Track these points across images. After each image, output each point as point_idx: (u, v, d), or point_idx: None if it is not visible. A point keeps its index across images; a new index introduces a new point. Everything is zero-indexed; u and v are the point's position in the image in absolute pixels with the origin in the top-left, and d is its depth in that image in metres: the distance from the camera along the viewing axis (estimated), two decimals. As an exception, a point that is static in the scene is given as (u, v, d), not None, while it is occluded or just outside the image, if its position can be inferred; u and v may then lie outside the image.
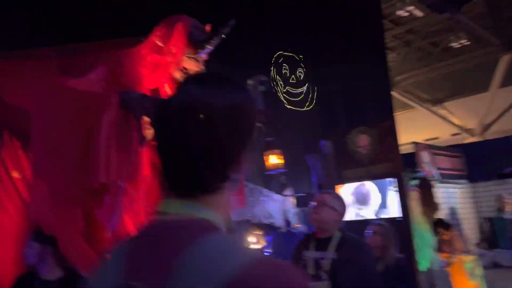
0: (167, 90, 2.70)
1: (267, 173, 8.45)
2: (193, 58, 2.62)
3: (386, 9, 14.78)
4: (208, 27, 2.62)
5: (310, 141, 8.36)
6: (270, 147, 7.69)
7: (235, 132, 0.87)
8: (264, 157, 8.05)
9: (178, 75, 2.61)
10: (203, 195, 0.87)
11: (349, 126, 7.18)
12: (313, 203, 2.77)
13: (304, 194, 9.12)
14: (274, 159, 8.15)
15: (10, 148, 2.87)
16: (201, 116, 0.83)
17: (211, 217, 0.86)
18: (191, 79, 0.97)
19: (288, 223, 10.07)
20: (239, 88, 0.93)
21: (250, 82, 3.87)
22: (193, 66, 2.66)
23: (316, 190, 7.61)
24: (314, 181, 7.74)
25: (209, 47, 2.60)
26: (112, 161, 2.03)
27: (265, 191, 10.41)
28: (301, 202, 9.53)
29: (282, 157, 8.17)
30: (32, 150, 2.33)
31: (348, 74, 10.30)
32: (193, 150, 0.84)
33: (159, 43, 2.51)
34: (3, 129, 2.91)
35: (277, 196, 10.80)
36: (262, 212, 10.20)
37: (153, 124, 1.13)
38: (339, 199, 2.90)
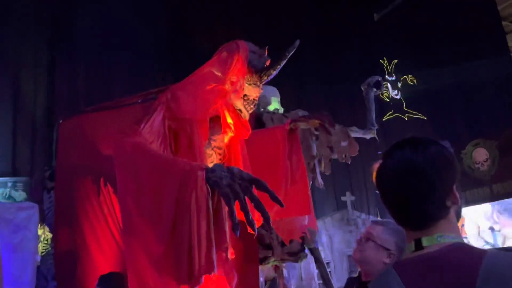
0: (228, 119, 2.63)
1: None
2: (253, 84, 2.57)
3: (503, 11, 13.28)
4: (266, 51, 2.57)
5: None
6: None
7: (445, 175, 1.12)
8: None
9: (238, 103, 2.61)
10: (438, 224, 1.10)
11: (464, 140, 6.37)
12: (360, 237, 2.12)
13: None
14: None
15: (105, 193, 3.05)
16: (419, 170, 1.10)
17: (460, 239, 1.10)
18: (403, 144, 1.20)
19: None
20: (438, 144, 1.17)
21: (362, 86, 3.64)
22: (253, 92, 2.59)
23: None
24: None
25: (275, 72, 2.53)
26: (202, 255, 1.78)
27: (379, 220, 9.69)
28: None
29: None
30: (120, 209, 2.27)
31: (465, 78, 9.38)
32: (419, 195, 1.10)
33: (217, 72, 2.52)
34: (100, 176, 3.09)
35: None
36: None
37: (379, 182, 1.17)
38: (394, 234, 2.03)
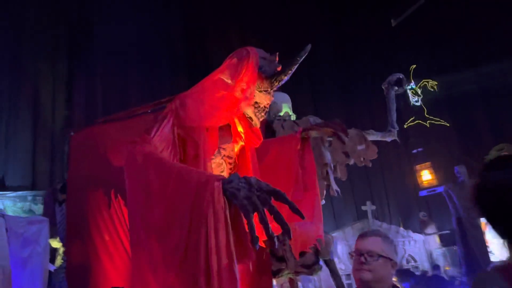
0: (239, 127, 2.56)
1: (423, 193, 7.23)
2: (264, 91, 2.50)
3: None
4: (277, 57, 2.50)
5: (443, 166, 7.40)
6: (420, 160, 6.65)
7: None
8: (416, 174, 6.95)
9: (249, 111, 2.53)
10: None
11: (488, 145, 6.12)
12: (358, 256, 1.88)
13: (449, 231, 8.00)
14: (426, 175, 7.00)
15: (116, 206, 3.02)
16: None
17: None
18: (500, 162, 1.32)
19: (435, 266, 8.88)
20: None
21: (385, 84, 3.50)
22: (264, 99, 2.47)
23: (455, 226, 6.52)
24: (453, 216, 6.67)
25: (286, 78, 2.45)
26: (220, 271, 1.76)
27: (402, 230, 9.48)
28: (446, 241, 8.38)
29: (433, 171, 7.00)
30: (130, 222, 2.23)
31: (487, 83, 9.12)
32: None
33: (227, 80, 2.50)
34: (111, 188, 3.07)
35: (417, 236, 9.75)
36: (401, 255, 9.23)
37: (482, 199, 1.30)
38: (390, 242, 1.92)
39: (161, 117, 2.41)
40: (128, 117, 3.01)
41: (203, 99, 2.43)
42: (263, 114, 2.52)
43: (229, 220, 1.73)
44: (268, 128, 3.47)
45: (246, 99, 2.43)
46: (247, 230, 1.66)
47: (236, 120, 2.53)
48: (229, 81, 2.41)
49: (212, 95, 2.41)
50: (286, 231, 1.67)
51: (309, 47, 2.44)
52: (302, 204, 2.79)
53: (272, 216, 1.69)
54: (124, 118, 2.84)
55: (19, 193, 6.81)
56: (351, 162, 3.54)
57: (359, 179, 8.28)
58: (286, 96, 3.98)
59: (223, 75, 2.43)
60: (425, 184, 6.98)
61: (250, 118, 2.51)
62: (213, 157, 2.54)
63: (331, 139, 3.43)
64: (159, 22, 8.37)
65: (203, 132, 2.41)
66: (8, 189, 6.89)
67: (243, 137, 2.59)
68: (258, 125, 2.54)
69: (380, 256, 1.84)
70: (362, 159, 3.50)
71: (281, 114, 3.76)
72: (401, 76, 3.45)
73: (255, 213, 1.68)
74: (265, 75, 2.47)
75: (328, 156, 3.42)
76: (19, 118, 7.18)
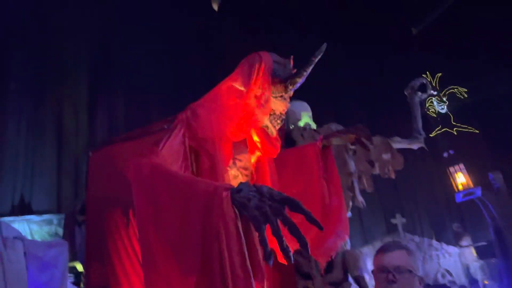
0: (254, 137, 2.41)
1: (459, 199, 6.75)
2: (279, 97, 2.43)
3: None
4: (291, 60, 2.38)
5: (476, 170, 7.03)
6: (452, 162, 6.26)
7: None
8: (450, 177, 6.52)
9: (265, 119, 2.33)
10: None
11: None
12: (383, 273, 1.65)
13: (485, 243, 7.59)
14: (461, 178, 6.55)
15: (134, 225, 2.94)
16: None
17: None
18: None
19: (473, 280, 8.42)
20: None
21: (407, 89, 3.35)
22: (279, 106, 2.33)
23: (493, 236, 6.13)
24: (490, 225, 6.30)
25: (301, 80, 2.33)
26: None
27: (435, 243, 9.06)
28: (483, 253, 7.95)
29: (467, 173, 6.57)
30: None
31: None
32: None
33: (239, 87, 2.29)
34: (129, 207, 3.00)
35: (451, 249, 9.28)
36: (436, 270, 8.80)
37: None
38: (415, 255, 1.71)
39: (171, 129, 2.32)
40: (146, 134, 2.93)
41: (215, 109, 2.33)
42: (279, 121, 2.39)
43: (242, 234, 1.58)
44: (287, 138, 3.34)
45: (261, 106, 2.31)
46: (260, 245, 1.52)
47: (253, 131, 2.41)
48: (242, 88, 2.30)
49: (225, 104, 2.31)
50: (303, 245, 1.53)
51: (324, 46, 2.30)
52: (327, 218, 2.63)
53: (286, 227, 1.55)
54: (142, 135, 2.77)
55: (45, 216, 6.87)
56: (377, 171, 3.37)
57: (387, 190, 8.00)
58: (305, 105, 3.82)
59: (235, 83, 2.33)
60: (460, 187, 6.57)
61: (266, 126, 2.39)
62: (228, 168, 2.43)
63: (354, 147, 3.28)
64: (179, 42, 8.44)
65: (217, 142, 2.30)
66: (34, 213, 6.96)
67: (260, 147, 2.47)
68: (274, 134, 2.42)
69: (410, 271, 1.64)
70: (386, 169, 3.33)
71: (301, 124, 3.62)
72: (425, 81, 3.32)
73: (267, 225, 1.54)
74: (279, 79, 2.35)
75: (352, 165, 3.26)
76: (43, 142, 7.30)
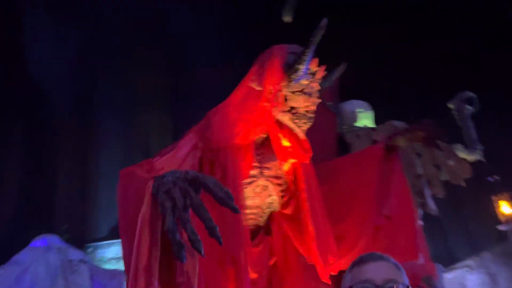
0: (284, 142, 2.12)
1: (499, 227, 5.90)
2: (298, 92, 2.04)
3: None
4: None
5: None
6: (498, 190, 5.55)
7: None
8: (494, 205, 5.75)
9: (285, 118, 2.07)
10: None
11: None
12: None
13: None
14: (506, 207, 5.73)
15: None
16: None
17: None
18: None
19: None
20: None
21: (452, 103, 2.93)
22: (301, 102, 2.04)
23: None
24: None
25: (303, 67, 1.96)
26: None
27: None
28: None
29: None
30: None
31: None
32: None
33: (256, 87, 2.08)
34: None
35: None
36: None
37: None
38: (400, 266, 1.17)
39: (181, 139, 2.19)
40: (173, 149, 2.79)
41: (231, 114, 2.12)
42: (305, 121, 2.08)
43: (155, 227, 1.41)
44: (341, 141, 2.98)
45: (274, 102, 2.04)
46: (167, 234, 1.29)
47: (280, 134, 2.14)
48: (259, 88, 2.07)
49: (243, 107, 2.09)
50: (211, 233, 1.32)
51: (324, 21, 1.94)
52: (397, 233, 2.21)
53: (194, 211, 1.34)
54: (170, 150, 2.67)
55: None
56: (445, 177, 2.86)
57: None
58: (363, 104, 3.37)
59: (251, 83, 2.10)
60: (503, 218, 5.72)
61: (289, 126, 2.10)
62: (252, 179, 2.19)
63: (419, 151, 2.80)
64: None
65: (234, 151, 2.08)
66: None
67: (291, 152, 2.17)
68: (302, 135, 2.12)
69: (402, 284, 1.21)
70: (455, 175, 2.83)
71: (359, 125, 3.21)
72: (473, 95, 2.89)
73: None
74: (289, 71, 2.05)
75: (420, 167, 2.79)
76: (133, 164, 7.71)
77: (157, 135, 8.23)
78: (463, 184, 2.87)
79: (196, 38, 8.37)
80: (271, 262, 2.30)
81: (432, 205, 2.67)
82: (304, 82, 2.06)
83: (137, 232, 1.48)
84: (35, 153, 7.64)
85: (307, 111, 2.09)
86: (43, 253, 3.22)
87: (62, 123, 7.89)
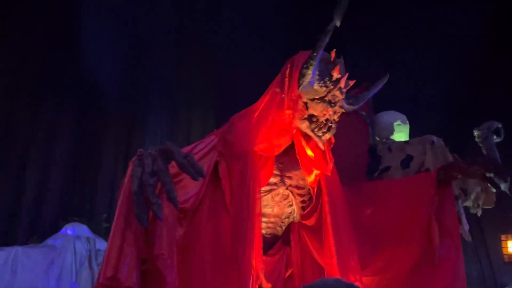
0: (308, 151, 2.05)
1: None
2: (317, 99, 1.95)
3: None
4: (333, 54, 1.96)
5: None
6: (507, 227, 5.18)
7: None
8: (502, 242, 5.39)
9: (304, 126, 1.99)
10: None
11: None
12: None
13: None
14: None
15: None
16: None
17: None
18: None
19: None
20: None
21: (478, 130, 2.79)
22: (320, 110, 1.96)
23: None
24: None
25: (310, 71, 1.88)
26: None
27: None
28: None
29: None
30: None
31: None
32: None
33: (279, 93, 2.03)
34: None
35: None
36: None
37: None
38: None
39: (203, 139, 2.18)
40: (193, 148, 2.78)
41: (253, 119, 2.06)
42: (324, 130, 2.00)
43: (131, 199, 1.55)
44: (372, 154, 2.83)
45: (296, 109, 1.98)
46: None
47: (304, 143, 2.05)
48: (281, 94, 2.01)
49: (265, 113, 2.03)
50: (168, 196, 1.47)
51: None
52: (436, 267, 2.05)
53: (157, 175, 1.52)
54: (190, 148, 2.65)
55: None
56: (469, 203, 2.66)
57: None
58: (401, 117, 3.19)
59: (276, 89, 2.04)
60: (507, 258, 5.32)
61: (307, 133, 2.01)
62: (272, 187, 2.13)
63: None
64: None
65: (254, 158, 2.02)
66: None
67: (314, 162, 2.08)
68: (322, 145, 2.04)
69: None
70: (477, 204, 2.64)
71: (395, 138, 3.04)
72: (500, 125, 2.73)
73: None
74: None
75: (456, 187, 2.60)
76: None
77: (199, 132, 8.33)
78: (479, 213, 2.65)
79: (241, 38, 8.40)
80: (287, 273, 2.23)
81: (467, 231, 2.48)
82: (322, 89, 1.97)
83: (119, 200, 1.65)
84: (81, 145, 7.94)
85: (327, 120, 2.01)
86: (72, 241, 3.32)
87: (109, 116, 8.15)
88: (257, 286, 1.91)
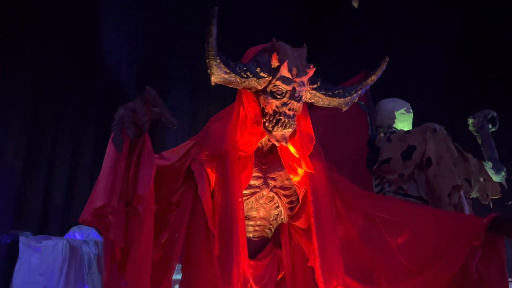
0: (291, 148, 1.96)
1: None
2: (260, 92, 1.91)
3: None
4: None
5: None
6: None
7: None
8: None
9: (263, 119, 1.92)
10: None
11: None
12: None
13: None
14: None
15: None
16: None
17: None
18: None
19: None
20: None
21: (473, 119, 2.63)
22: (263, 102, 1.90)
23: None
24: None
25: (214, 63, 1.80)
26: None
27: None
28: None
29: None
30: None
31: None
32: None
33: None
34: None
35: None
36: None
37: None
38: None
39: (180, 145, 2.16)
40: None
41: (228, 118, 1.99)
42: (273, 124, 1.91)
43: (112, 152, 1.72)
44: (371, 146, 2.70)
45: (248, 103, 1.94)
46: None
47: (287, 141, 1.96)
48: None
49: (236, 111, 1.96)
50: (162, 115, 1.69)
51: (215, 9, 1.76)
52: None
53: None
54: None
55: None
56: (475, 193, 2.51)
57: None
58: (404, 105, 2.98)
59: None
60: None
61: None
62: (254, 189, 2.06)
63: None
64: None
65: (233, 161, 1.94)
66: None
67: (299, 162, 1.99)
68: (276, 142, 1.96)
69: None
70: (485, 194, 2.48)
71: (398, 127, 2.88)
72: (495, 114, 2.54)
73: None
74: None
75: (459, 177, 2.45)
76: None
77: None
78: (490, 204, 2.50)
79: (260, 27, 8.30)
80: (280, 276, 2.16)
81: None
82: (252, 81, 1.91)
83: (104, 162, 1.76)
84: (105, 142, 8.12)
85: (275, 113, 1.92)
86: (80, 245, 3.37)
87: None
88: None
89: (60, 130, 7.55)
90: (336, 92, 2.04)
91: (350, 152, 2.87)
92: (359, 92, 2.09)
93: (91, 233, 3.59)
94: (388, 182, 2.57)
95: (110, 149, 1.75)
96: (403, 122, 2.84)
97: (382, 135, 2.73)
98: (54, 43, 7.19)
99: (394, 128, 2.82)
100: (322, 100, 2.07)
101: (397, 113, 2.84)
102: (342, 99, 2.06)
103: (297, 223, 2.14)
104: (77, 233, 3.54)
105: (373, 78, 2.11)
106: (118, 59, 8.09)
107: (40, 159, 6.96)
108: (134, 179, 1.73)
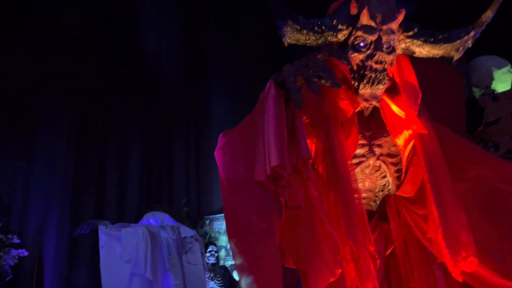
0: (393, 107, 1.78)
1: None
2: (342, 47, 1.72)
3: None
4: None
5: None
6: None
7: None
8: None
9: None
10: None
11: None
12: None
13: None
14: None
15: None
16: None
17: None
18: None
19: None
20: None
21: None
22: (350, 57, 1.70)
23: None
24: None
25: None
26: None
27: None
28: None
29: None
30: None
31: None
32: None
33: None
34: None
35: None
36: None
37: None
38: None
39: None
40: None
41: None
42: (359, 81, 1.73)
43: (282, 109, 1.64)
44: (471, 108, 2.42)
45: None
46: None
47: (387, 99, 1.76)
48: None
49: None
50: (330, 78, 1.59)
51: None
52: None
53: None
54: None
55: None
56: None
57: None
58: (505, 63, 2.64)
59: None
60: None
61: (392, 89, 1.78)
62: (360, 159, 1.87)
63: None
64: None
65: (336, 127, 1.76)
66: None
67: (406, 122, 1.77)
68: (362, 101, 1.77)
69: None
70: None
71: (496, 87, 2.59)
72: None
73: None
74: None
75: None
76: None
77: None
78: None
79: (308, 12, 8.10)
80: (388, 251, 1.97)
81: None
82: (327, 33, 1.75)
83: (265, 115, 1.66)
84: (154, 136, 8.28)
85: (359, 67, 1.73)
86: (158, 230, 3.33)
87: (177, 108, 8.40)
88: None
89: (107, 130, 7.91)
90: (441, 37, 1.77)
91: (446, 118, 2.61)
92: (472, 35, 1.77)
93: (166, 219, 3.54)
94: (494, 146, 2.31)
95: (271, 110, 1.66)
96: (504, 82, 2.55)
97: (477, 96, 2.47)
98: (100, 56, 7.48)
99: (493, 88, 2.54)
100: (423, 49, 1.80)
101: (498, 72, 2.55)
102: (450, 44, 1.78)
103: (404, 193, 1.94)
104: (151, 219, 3.50)
105: (489, 14, 1.78)
106: (157, 54, 8.25)
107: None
108: (295, 141, 1.64)
